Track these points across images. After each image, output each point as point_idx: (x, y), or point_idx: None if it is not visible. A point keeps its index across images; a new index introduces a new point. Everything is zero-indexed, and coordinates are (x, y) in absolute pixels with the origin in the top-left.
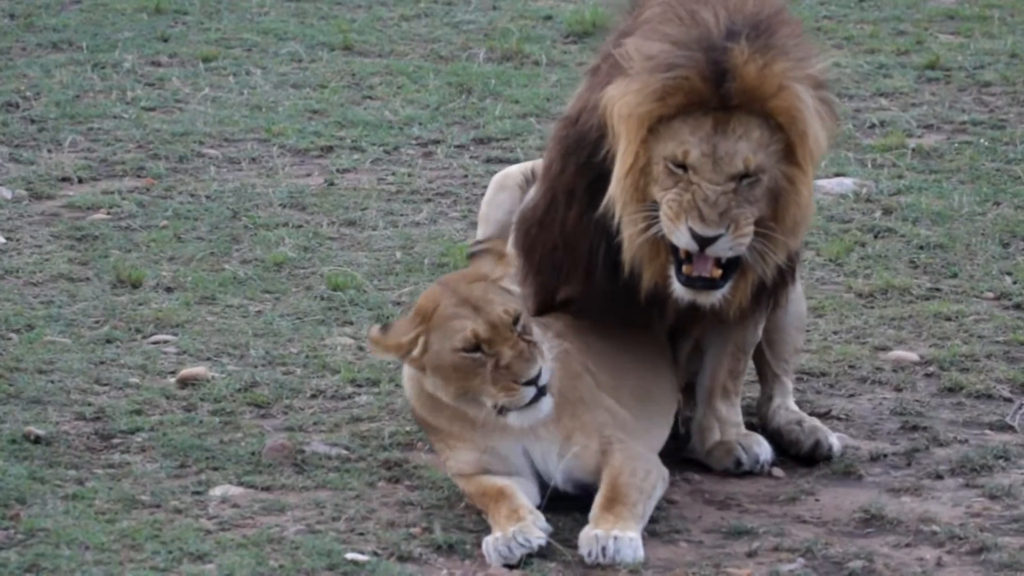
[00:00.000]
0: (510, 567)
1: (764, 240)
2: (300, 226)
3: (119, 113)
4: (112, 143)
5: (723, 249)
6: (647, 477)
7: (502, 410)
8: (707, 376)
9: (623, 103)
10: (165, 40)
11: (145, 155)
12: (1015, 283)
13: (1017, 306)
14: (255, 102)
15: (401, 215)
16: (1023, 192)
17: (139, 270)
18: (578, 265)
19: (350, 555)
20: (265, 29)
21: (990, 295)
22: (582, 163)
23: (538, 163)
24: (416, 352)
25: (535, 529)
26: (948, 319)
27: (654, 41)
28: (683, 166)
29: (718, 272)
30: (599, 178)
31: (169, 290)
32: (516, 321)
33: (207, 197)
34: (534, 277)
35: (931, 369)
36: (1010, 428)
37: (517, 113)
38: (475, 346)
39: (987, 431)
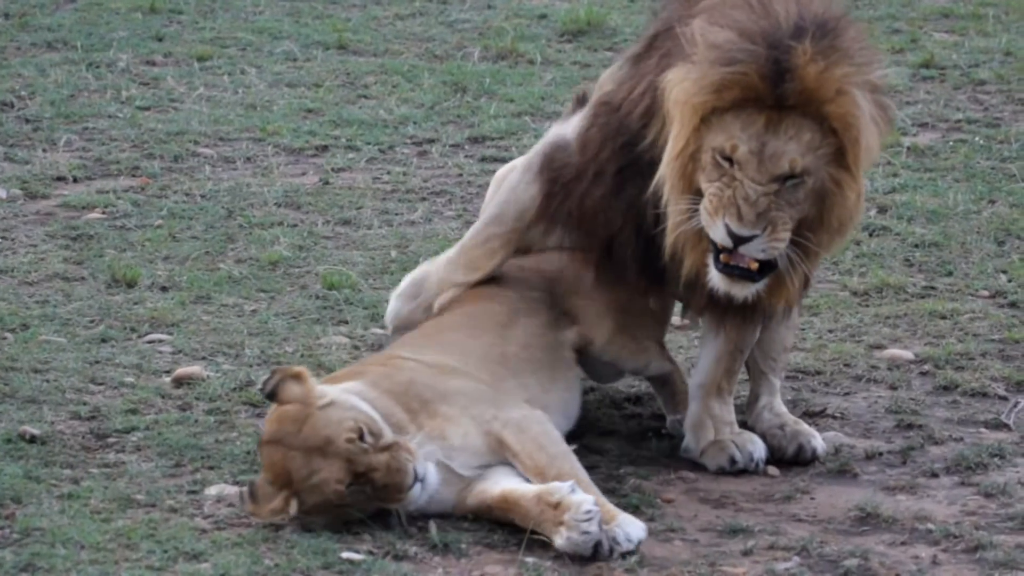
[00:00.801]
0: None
1: (799, 249)
2: (295, 225)
3: (114, 112)
4: (107, 142)
5: (756, 250)
6: (545, 437)
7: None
8: (703, 374)
9: (680, 89)
10: (160, 39)
11: (140, 154)
12: (1010, 281)
13: (1012, 304)
14: (250, 101)
15: (396, 214)
16: (1018, 190)
17: (134, 269)
18: (593, 241)
19: (345, 554)
20: (260, 28)
21: (985, 293)
22: (618, 148)
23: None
24: (294, 511)
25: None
26: (943, 317)
27: (721, 28)
28: (729, 160)
29: (755, 264)
30: (631, 164)
31: (164, 289)
32: (362, 437)
33: (202, 196)
34: (545, 201)
35: (926, 367)
36: (1005, 426)
37: (512, 112)
38: (346, 488)
39: (982, 429)
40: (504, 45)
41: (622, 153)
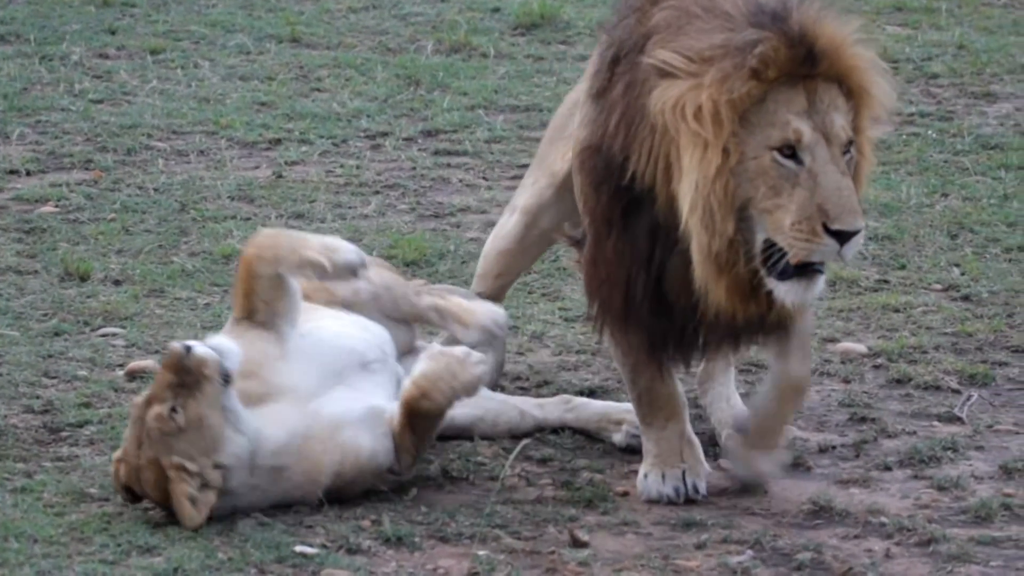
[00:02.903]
0: None
1: None
2: (248, 219)
3: (67, 106)
4: (60, 136)
5: (857, 244)
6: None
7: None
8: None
9: (694, 99)
10: (113, 32)
11: (93, 148)
12: (963, 275)
13: (965, 298)
14: (203, 94)
15: (349, 207)
16: (971, 184)
17: (87, 263)
18: (614, 293)
19: (299, 547)
20: (213, 21)
21: (938, 287)
22: (613, 189)
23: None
24: None
25: None
26: (896, 311)
27: (697, 36)
28: (793, 155)
29: None
30: (632, 202)
31: (117, 283)
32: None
33: (155, 190)
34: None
35: (879, 361)
36: (958, 420)
37: (465, 105)
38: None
39: (935, 423)
40: (457, 38)
41: (620, 194)
